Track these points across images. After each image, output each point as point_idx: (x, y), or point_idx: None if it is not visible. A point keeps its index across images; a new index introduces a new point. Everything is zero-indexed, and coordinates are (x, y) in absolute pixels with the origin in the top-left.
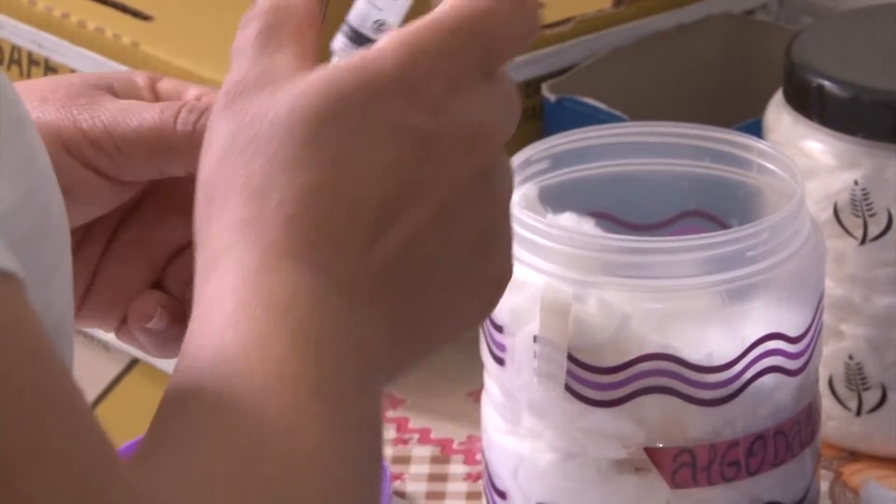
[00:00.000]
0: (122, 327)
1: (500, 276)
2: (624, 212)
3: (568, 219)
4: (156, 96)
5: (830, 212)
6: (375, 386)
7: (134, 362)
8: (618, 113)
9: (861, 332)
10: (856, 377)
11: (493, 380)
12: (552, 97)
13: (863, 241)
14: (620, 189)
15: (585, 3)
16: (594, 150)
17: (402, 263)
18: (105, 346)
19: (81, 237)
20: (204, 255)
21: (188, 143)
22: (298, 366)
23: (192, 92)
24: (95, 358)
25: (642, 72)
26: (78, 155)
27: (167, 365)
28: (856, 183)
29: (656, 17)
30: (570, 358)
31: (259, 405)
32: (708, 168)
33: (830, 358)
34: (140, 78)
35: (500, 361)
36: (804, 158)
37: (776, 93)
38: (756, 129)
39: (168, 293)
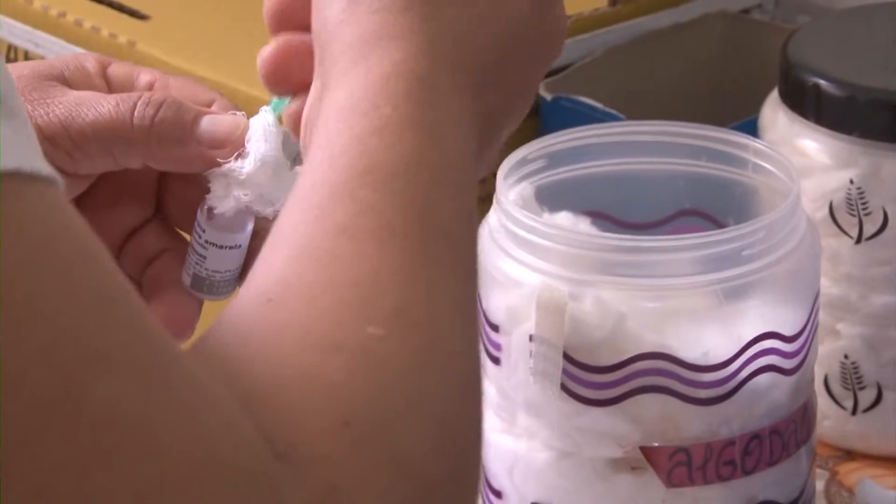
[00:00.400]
0: None
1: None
2: (620, 211)
3: (564, 218)
4: (107, 82)
5: (826, 211)
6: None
7: None
8: (614, 112)
9: (857, 332)
10: (851, 376)
11: (489, 379)
12: (548, 96)
13: (858, 240)
14: (617, 188)
15: (582, 2)
16: (590, 150)
17: (500, 115)
18: None
19: None
20: (359, 24)
21: (145, 137)
22: (439, 204)
23: (144, 78)
24: None
25: (638, 71)
26: None
27: None
28: (851, 182)
29: (652, 16)
30: (566, 357)
31: (378, 249)
32: (704, 167)
33: (826, 357)
34: (90, 63)
35: (495, 360)
36: (800, 157)
37: (772, 92)
38: (752, 128)
39: (126, 274)
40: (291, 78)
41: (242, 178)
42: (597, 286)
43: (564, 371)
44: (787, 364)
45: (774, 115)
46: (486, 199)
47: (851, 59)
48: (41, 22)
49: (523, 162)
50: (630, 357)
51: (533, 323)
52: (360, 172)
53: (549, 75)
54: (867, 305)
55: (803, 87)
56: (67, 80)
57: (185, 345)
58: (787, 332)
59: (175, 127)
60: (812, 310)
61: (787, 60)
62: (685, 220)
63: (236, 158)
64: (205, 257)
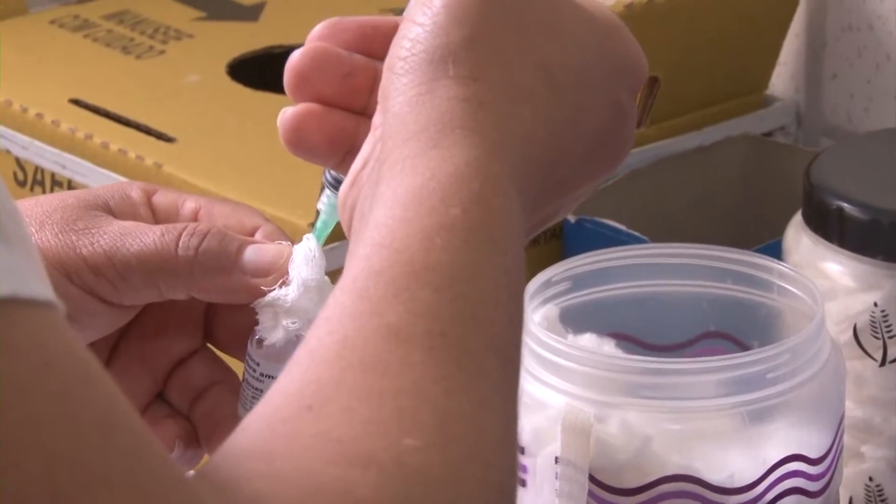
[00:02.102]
0: None
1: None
2: (644, 333)
3: (589, 340)
4: (153, 211)
5: (850, 333)
6: None
7: None
8: (637, 234)
9: (881, 454)
10: (876, 498)
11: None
12: (572, 218)
13: (882, 363)
14: (641, 310)
15: None
16: (614, 272)
17: (540, 227)
18: None
19: None
20: (437, 108)
21: (190, 268)
22: (492, 316)
23: (189, 206)
24: None
25: (662, 193)
26: (79, 282)
27: None
28: (875, 305)
29: (676, 138)
30: (592, 479)
31: (426, 356)
32: (728, 289)
33: (851, 479)
34: (135, 192)
35: (521, 483)
36: (824, 280)
37: (795, 214)
38: (775, 251)
39: (171, 404)
40: (308, 141)
41: (288, 305)
42: (622, 408)
43: (590, 493)
44: (813, 486)
45: (798, 237)
46: None
47: (874, 183)
48: (68, 144)
49: (547, 284)
50: (655, 479)
51: (558, 445)
52: (420, 270)
53: None
54: (891, 428)
55: (826, 211)
56: (112, 210)
57: None
58: (813, 455)
59: (219, 257)
60: (837, 432)
61: (810, 183)
62: (709, 342)
63: (281, 286)
64: (261, 390)
